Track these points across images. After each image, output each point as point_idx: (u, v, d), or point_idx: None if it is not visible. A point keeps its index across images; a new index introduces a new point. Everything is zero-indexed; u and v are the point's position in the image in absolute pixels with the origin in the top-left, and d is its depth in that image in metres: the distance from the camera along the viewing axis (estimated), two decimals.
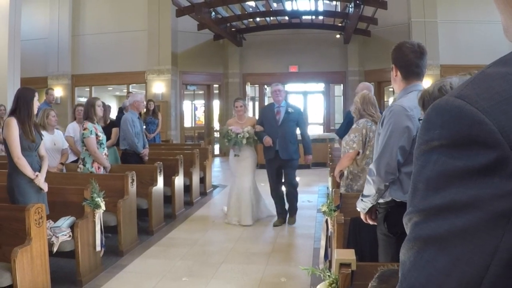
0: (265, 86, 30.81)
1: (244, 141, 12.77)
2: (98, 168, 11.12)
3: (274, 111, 12.94)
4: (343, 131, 10.89)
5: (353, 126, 8.21)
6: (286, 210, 13.35)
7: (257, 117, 16.33)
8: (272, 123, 12.80)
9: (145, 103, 14.33)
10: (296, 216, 13.37)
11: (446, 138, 1.08)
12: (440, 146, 1.09)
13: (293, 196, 13.27)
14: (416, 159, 1.15)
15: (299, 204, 15.24)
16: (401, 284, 1.11)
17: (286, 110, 12.81)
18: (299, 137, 13.35)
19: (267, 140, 12.56)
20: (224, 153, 24.80)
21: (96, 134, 10.93)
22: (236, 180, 13.44)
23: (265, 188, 14.21)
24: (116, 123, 14.14)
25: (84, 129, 10.85)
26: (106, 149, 11.30)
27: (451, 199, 1.05)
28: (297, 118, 13.00)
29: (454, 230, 1.03)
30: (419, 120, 4.25)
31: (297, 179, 13.50)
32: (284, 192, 13.38)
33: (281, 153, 12.63)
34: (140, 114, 14.43)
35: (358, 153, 7.94)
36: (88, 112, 11.14)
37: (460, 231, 1.03)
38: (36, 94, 8.43)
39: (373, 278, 3.54)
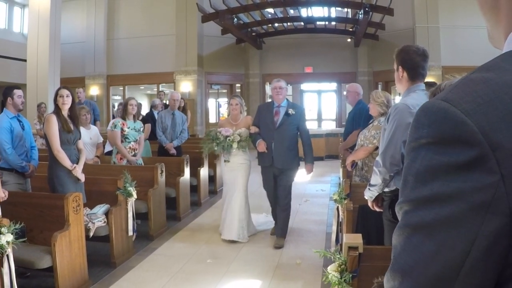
0: None
1: (235, 145, 10.19)
2: (120, 159, 11.27)
3: (272, 111, 10.20)
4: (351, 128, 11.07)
5: (375, 123, 8.25)
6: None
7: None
8: (269, 125, 10.10)
9: (178, 100, 13.97)
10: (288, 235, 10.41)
11: (433, 136, 1.11)
12: (428, 143, 1.12)
13: (284, 214, 10.26)
14: (407, 154, 1.18)
15: (312, 192, 15.13)
16: (393, 266, 1.16)
17: (286, 111, 10.04)
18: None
19: (261, 145, 9.99)
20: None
21: (122, 129, 11.06)
22: (225, 191, 10.82)
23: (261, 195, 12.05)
24: (147, 119, 14.25)
25: (112, 124, 11.15)
26: (132, 143, 11.26)
27: (437, 191, 1.08)
28: (298, 120, 10.19)
29: (439, 219, 1.07)
30: None
31: (290, 197, 10.38)
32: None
33: (276, 160, 10.02)
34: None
35: (376, 148, 7.93)
36: (122, 110, 11.40)
37: (445, 220, 1.06)
38: (59, 91, 8.55)
39: None
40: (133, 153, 11.30)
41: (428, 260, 1.08)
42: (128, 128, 11.16)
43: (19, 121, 8.80)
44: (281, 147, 10.02)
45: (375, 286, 3.50)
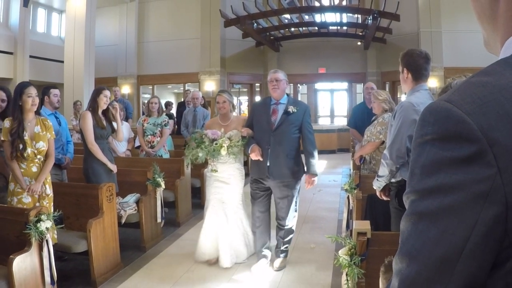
0: (298, 85, 31.00)
1: (223, 152, 7.66)
2: (141, 151, 11.53)
3: (268, 110, 7.73)
4: (353, 122, 11.45)
5: (379, 120, 8.30)
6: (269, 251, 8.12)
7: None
8: (264, 126, 7.65)
9: (198, 98, 14.08)
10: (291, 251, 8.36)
11: (437, 133, 1.14)
12: (432, 139, 1.15)
13: (285, 234, 7.89)
14: (413, 149, 1.21)
15: (325, 183, 15.05)
16: (400, 250, 1.19)
17: (285, 109, 7.60)
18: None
19: (255, 151, 7.54)
20: None
21: (143, 125, 11.34)
22: (210, 209, 8.15)
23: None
24: (173, 116, 14.41)
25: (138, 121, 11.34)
26: (148, 137, 11.40)
27: (441, 182, 1.11)
28: (301, 120, 7.64)
29: (442, 207, 1.10)
30: None
31: (295, 215, 7.96)
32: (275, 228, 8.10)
33: (273, 171, 7.52)
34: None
35: (382, 143, 7.97)
36: (147, 108, 11.74)
37: (448, 208, 1.10)
38: (104, 92, 8.63)
39: (381, 267, 3.66)
40: (150, 145, 11.39)
41: (432, 245, 1.11)
42: (148, 123, 11.36)
43: (56, 117, 8.90)
44: (280, 154, 7.53)
45: (386, 264, 3.53)
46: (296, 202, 7.85)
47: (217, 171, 7.94)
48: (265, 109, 7.78)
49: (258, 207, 7.95)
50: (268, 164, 7.53)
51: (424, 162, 1.16)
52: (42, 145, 6.88)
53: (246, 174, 8.75)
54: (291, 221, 7.85)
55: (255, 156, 7.55)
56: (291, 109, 7.55)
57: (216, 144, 7.71)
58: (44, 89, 9.03)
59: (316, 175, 7.80)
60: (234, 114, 8.52)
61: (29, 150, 6.78)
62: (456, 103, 1.14)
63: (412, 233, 1.16)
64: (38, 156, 6.91)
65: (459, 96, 1.15)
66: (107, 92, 8.65)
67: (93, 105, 8.54)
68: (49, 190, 7.19)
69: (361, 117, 10.79)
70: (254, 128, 7.83)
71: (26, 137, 6.77)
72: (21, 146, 6.75)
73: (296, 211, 7.92)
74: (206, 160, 8.13)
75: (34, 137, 6.84)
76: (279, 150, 7.51)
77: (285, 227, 7.83)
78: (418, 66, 5.60)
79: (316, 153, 7.75)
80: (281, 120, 7.55)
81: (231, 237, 8.00)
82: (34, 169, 6.90)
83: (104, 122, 8.59)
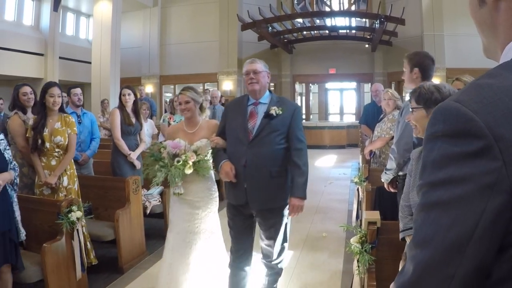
0: (310, 84, 31.10)
1: (189, 171, 5.52)
2: None
3: (245, 112, 5.17)
4: (364, 119, 11.47)
5: (390, 117, 8.34)
6: None
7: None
8: (239, 134, 5.09)
9: (217, 97, 14.29)
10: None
11: (447, 130, 1.19)
12: (442, 136, 1.20)
13: (272, 274, 5.58)
14: (425, 145, 1.26)
15: (335, 176, 15.13)
16: (414, 237, 1.24)
17: (267, 111, 5.07)
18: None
19: (226, 170, 5.02)
20: None
21: (169, 123, 11.20)
22: (173, 239, 6.12)
23: None
24: None
25: (162, 118, 11.52)
26: None
27: (451, 174, 1.17)
28: (288, 125, 5.07)
29: (453, 197, 1.16)
30: (412, 109, 4.32)
31: (285, 247, 5.43)
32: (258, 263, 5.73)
33: (251, 196, 5.04)
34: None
35: (391, 138, 7.99)
36: (171, 106, 11.69)
37: (458, 198, 1.15)
38: (122, 91, 8.77)
39: (403, 255, 3.72)
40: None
41: (444, 231, 1.16)
42: (174, 121, 11.22)
43: (78, 116, 8.91)
44: (260, 173, 5.00)
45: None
46: (286, 231, 5.36)
47: (181, 193, 5.76)
48: (240, 111, 5.24)
49: (237, 241, 5.43)
50: (245, 186, 5.04)
51: (435, 156, 1.20)
52: (59, 140, 6.89)
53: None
54: (280, 256, 5.45)
55: (226, 176, 5.07)
56: (274, 111, 5.03)
57: (178, 162, 5.54)
58: (67, 90, 9.15)
59: (304, 198, 5.13)
60: (204, 117, 6.18)
61: (47, 144, 6.83)
62: (465, 102, 1.18)
63: (425, 221, 1.20)
64: (57, 150, 6.92)
65: (467, 97, 1.20)
66: (124, 91, 8.76)
67: (120, 103, 8.69)
68: (70, 183, 7.15)
69: (371, 115, 10.83)
70: (227, 137, 5.31)
71: (46, 132, 6.83)
72: (39, 141, 6.82)
73: (286, 241, 5.42)
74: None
75: (53, 132, 6.88)
76: (259, 167, 5.01)
77: (272, 264, 5.48)
78: (426, 66, 5.64)
79: (306, 169, 5.13)
80: (261, 126, 5.05)
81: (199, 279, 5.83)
82: (53, 162, 6.93)
83: (133, 120, 8.68)
